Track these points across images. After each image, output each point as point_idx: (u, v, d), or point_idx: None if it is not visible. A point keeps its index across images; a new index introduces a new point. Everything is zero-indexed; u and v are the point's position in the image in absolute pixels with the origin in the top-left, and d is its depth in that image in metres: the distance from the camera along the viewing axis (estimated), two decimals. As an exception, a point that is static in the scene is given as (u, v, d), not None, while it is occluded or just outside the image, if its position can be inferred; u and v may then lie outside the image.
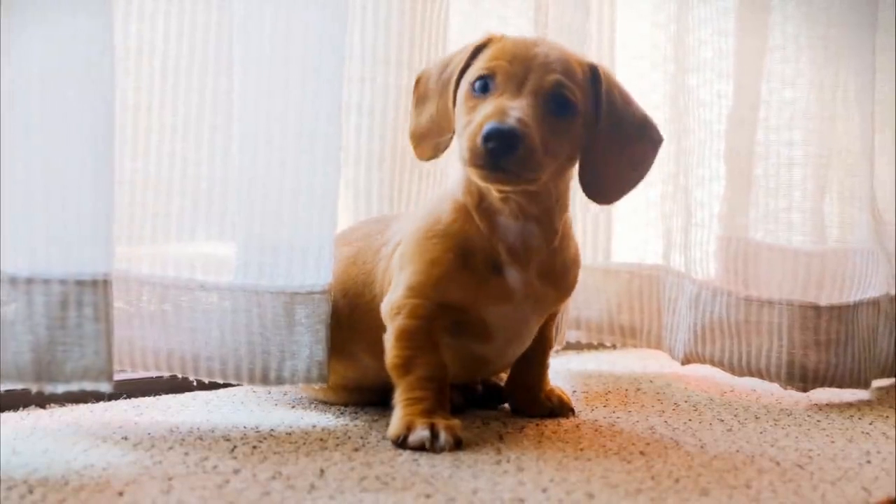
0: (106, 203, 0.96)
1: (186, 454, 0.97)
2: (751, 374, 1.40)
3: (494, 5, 1.45)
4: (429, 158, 1.13)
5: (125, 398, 1.22)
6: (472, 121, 1.01)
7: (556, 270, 1.11)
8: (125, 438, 1.02)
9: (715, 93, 1.46)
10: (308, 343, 1.12)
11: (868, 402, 1.38)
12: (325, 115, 1.11)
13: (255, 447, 1.01)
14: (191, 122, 1.13)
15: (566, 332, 1.50)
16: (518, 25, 1.44)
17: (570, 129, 1.04)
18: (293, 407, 1.21)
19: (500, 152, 0.97)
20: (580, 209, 1.51)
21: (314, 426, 1.12)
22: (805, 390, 1.38)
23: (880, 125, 1.53)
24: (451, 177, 1.35)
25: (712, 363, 1.44)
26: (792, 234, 1.45)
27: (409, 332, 1.07)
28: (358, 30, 1.30)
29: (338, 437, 1.06)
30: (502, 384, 1.26)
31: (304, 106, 1.10)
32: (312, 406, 1.22)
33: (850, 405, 1.36)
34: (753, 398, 1.38)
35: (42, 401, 1.15)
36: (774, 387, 1.41)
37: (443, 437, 1.01)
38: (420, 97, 1.13)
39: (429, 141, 1.12)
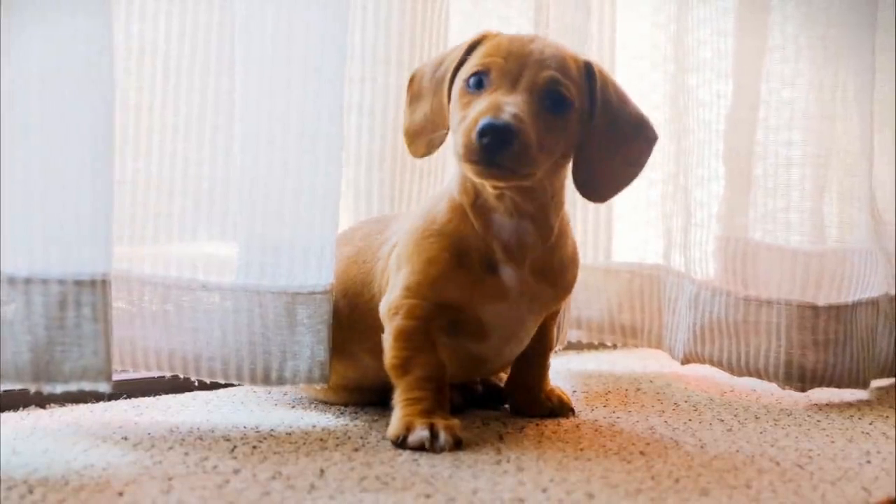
0: (105, 203, 0.96)
1: (186, 454, 0.97)
2: (749, 374, 1.40)
3: (495, 5, 1.45)
4: (423, 155, 1.13)
5: (125, 398, 1.22)
6: (466, 116, 1.01)
7: (553, 268, 1.11)
8: (125, 438, 1.02)
9: (714, 93, 1.46)
10: (309, 343, 1.12)
11: (868, 402, 1.38)
12: (327, 115, 1.11)
13: (255, 447, 1.01)
14: (192, 122, 1.13)
15: (566, 331, 1.50)
16: (519, 25, 1.44)
17: (565, 126, 1.04)
18: (293, 407, 1.21)
19: (494, 147, 0.97)
20: (580, 209, 1.52)
21: (314, 426, 1.12)
22: (803, 390, 1.38)
23: (879, 125, 1.53)
24: (448, 176, 1.35)
25: (711, 363, 1.44)
26: (790, 234, 1.45)
27: (407, 333, 1.07)
28: (358, 30, 1.30)
29: (338, 437, 1.06)
30: (502, 384, 1.26)
31: (306, 106, 1.10)
32: (312, 406, 1.22)
33: (849, 405, 1.36)
34: (753, 398, 1.38)
35: (42, 401, 1.15)
36: (774, 387, 1.41)
37: (442, 437, 1.01)
38: (414, 95, 1.13)
39: (423, 138, 1.12)
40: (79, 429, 1.06)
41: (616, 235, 1.63)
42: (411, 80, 1.14)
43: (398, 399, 1.06)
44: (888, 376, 1.50)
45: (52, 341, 0.94)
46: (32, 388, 0.94)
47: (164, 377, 1.19)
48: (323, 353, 1.12)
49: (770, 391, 1.42)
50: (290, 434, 1.07)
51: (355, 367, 1.17)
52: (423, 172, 1.38)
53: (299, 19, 1.09)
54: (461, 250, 1.08)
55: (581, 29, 1.42)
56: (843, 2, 1.43)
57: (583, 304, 1.59)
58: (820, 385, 1.37)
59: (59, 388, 0.95)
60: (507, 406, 1.24)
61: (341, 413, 1.19)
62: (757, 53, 1.46)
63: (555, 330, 1.24)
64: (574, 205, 1.35)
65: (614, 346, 1.73)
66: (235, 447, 1.01)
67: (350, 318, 1.15)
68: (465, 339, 1.11)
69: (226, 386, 1.25)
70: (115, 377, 1.15)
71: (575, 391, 1.37)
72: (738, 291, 1.41)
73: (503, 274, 1.08)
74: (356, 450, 1.01)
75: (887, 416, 1.28)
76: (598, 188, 1.12)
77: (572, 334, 1.59)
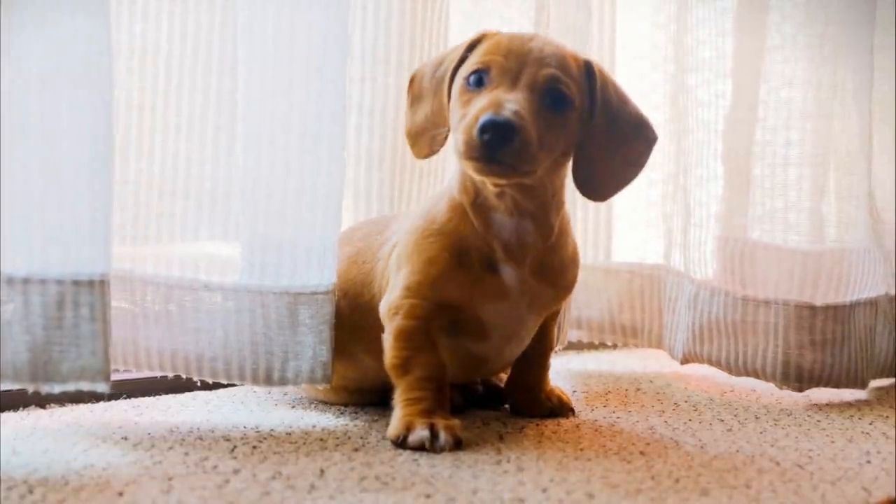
0: (104, 203, 0.96)
1: (186, 454, 0.97)
2: (747, 374, 1.41)
3: (496, 5, 1.45)
4: (426, 156, 1.13)
5: (125, 398, 1.22)
6: (467, 114, 1.01)
7: (553, 268, 1.11)
8: (125, 438, 1.02)
9: (713, 93, 1.46)
10: (311, 344, 1.12)
11: (868, 402, 1.38)
12: (329, 115, 1.11)
13: (255, 447, 1.01)
14: (195, 123, 1.13)
15: (567, 331, 1.50)
16: (520, 25, 1.44)
17: (566, 124, 1.04)
18: (293, 407, 1.21)
19: (495, 144, 0.97)
20: (580, 208, 1.52)
21: (314, 426, 1.12)
22: (801, 390, 1.38)
23: (878, 124, 1.53)
24: (448, 175, 1.35)
25: (710, 363, 1.44)
26: (789, 234, 1.45)
27: (408, 333, 1.07)
28: (358, 30, 1.30)
29: (338, 437, 1.06)
30: (502, 384, 1.26)
31: (308, 106, 1.10)
32: (312, 406, 1.22)
33: (849, 405, 1.35)
34: (753, 398, 1.38)
35: (42, 401, 1.15)
36: (773, 387, 1.41)
37: (442, 437, 1.01)
38: (415, 96, 1.13)
39: (424, 138, 1.11)
40: (79, 429, 1.06)
41: (616, 235, 1.63)
42: (412, 81, 1.14)
43: (398, 399, 1.06)
44: (888, 376, 1.50)
45: (50, 341, 0.94)
46: (30, 389, 0.94)
47: (163, 377, 1.19)
48: (325, 353, 1.12)
49: (770, 391, 1.42)
50: (290, 434, 1.07)
51: (355, 368, 1.17)
52: (422, 172, 1.38)
53: (301, 19, 1.09)
54: (461, 250, 1.08)
55: (582, 29, 1.42)
56: (841, 0, 1.43)
57: (583, 303, 1.59)
58: (818, 385, 1.37)
59: (56, 389, 0.95)
60: (507, 406, 1.24)
61: (341, 413, 1.19)
62: (756, 53, 1.46)
63: (555, 330, 1.24)
64: (574, 204, 1.35)
65: (614, 346, 1.73)
66: (235, 447, 1.01)
67: (350, 318, 1.15)
68: (465, 339, 1.11)
69: (226, 386, 1.25)
70: (115, 377, 1.15)
71: (575, 391, 1.37)
72: (736, 291, 1.42)
73: (503, 273, 1.08)
74: (356, 450, 1.01)
75: (887, 416, 1.28)
76: (598, 187, 1.12)
77: (572, 334, 1.59)
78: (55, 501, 0.81)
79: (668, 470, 0.97)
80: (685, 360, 1.47)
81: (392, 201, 1.35)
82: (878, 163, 1.54)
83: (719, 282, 1.44)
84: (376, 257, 1.16)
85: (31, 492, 0.84)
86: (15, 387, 0.97)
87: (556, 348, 1.35)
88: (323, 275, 1.12)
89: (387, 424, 1.06)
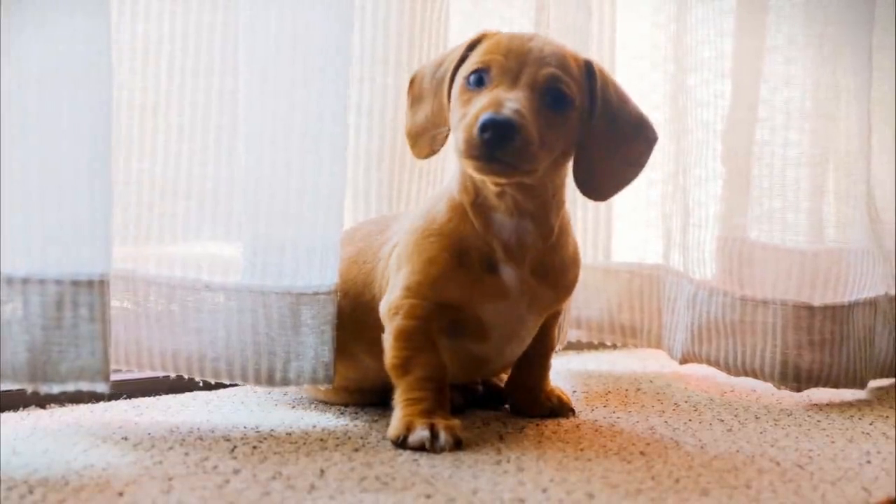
0: (103, 203, 0.96)
1: (186, 454, 0.97)
2: (746, 374, 1.41)
3: (496, 5, 1.45)
4: (426, 156, 1.13)
5: (125, 398, 1.22)
6: (467, 113, 1.01)
7: (554, 268, 1.11)
8: (125, 438, 1.02)
9: (713, 93, 1.46)
10: (313, 344, 1.12)
11: (868, 403, 1.38)
12: (331, 115, 1.11)
13: (255, 447, 1.01)
14: (197, 123, 1.13)
15: (567, 331, 1.50)
16: (520, 25, 1.44)
17: (566, 123, 1.04)
18: (293, 407, 1.21)
19: (495, 143, 0.97)
20: (580, 208, 1.52)
21: (314, 426, 1.12)
22: (799, 390, 1.38)
23: (878, 124, 1.53)
24: (448, 176, 1.35)
25: (709, 363, 1.44)
26: (787, 234, 1.45)
27: (408, 333, 1.07)
28: (357, 30, 1.30)
29: (338, 438, 1.06)
30: (502, 385, 1.26)
31: (310, 106, 1.10)
32: (312, 406, 1.22)
33: (849, 405, 1.35)
34: (753, 398, 1.38)
35: (42, 401, 1.15)
36: (772, 387, 1.41)
37: (443, 437, 1.01)
38: (415, 97, 1.13)
39: (425, 138, 1.11)
40: (79, 429, 1.06)
41: (616, 235, 1.63)
42: (412, 82, 1.14)
43: (398, 399, 1.06)
44: (887, 376, 1.50)
45: (49, 341, 0.94)
46: (29, 389, 0.94)
47: (163, 377, 1.19)
48: (327, 353, 1.12)
49: (770, 391, 1.42)
50: (290, 434, 1.07)
51: (356, 368, 1.17)
52: (421, 172, 1.38)
53: (303, 19, 1.09)
54: (461, 250, 1.08)
55: (582, 29, 1.42)
56: (840, 0, 1.43)
57: (582, 303, 1.59)
58: (816, 385, 1.37)
59: (55, 389, 0.95)
60: (507, 406, 1.24)
61: (341, 413, 1.19)
62: (755, 53, 1.46)
63: (556, 331, 1.24)
64: (574, 204, 1.35)
65: (614, 346, 1.73)
66: (235, 447, 1.01)
67: (351, 318, 1.15)
68: (465, 339, 1.11)
69: (226, 386, 1.25)
70: (115, 377, 1.15)
71: (575, 391, 1.37)
72: (734, 291, 1.42)
73: (503, 273, 1.08)
74: (356, 450, 1.01)
75: (887, 416, 1.28)
76: (598, 187, 1.12)
77: (572, 334, 1.59)
78: (55, 501, 0.81)
79: (669, 470, 0.97)
80: (684, 360, 1.47)
81: (391, 201, 1.35)
82: (877, 163, 1.54)
83: (718, 282, 1.44)
84: (377, 257, 1.15)
85: (31, 492, 0.84)
86: (14, 387, 0.97)
87: (557, 348, 1.35)
88: (325, 275, 1.12)
89: (387, 425, 1.06)
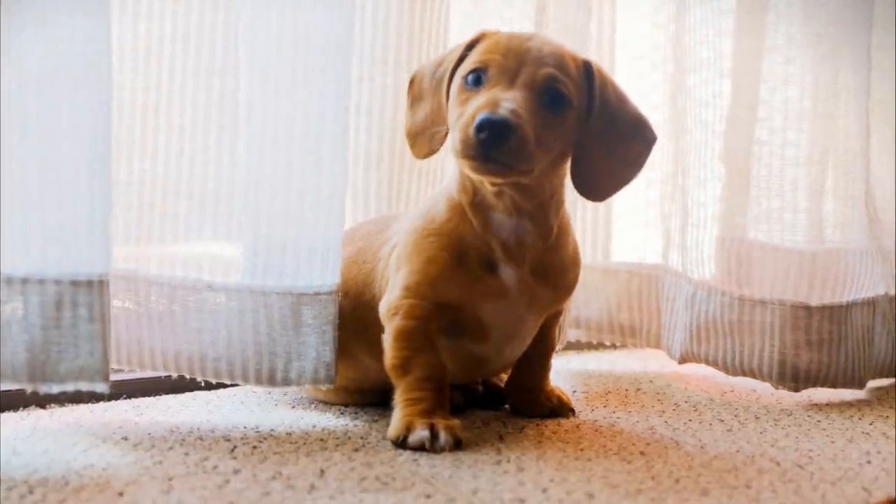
0: (103, 203, 0.96)
1: (186, 454, 0.97)
2: (744, 374, 1.41)
3: (496, 5, 1.45)
4: (426, 155, 1.13)
5: (125, 398, 1.22)
6: (464, 112, 1.00)
7: (553, 268, 1.11)
8: (125, 438, 1.02)
9: (712, 93, 1.46)
10: (315, 344, 1.12)
11: (868, 402, 1.38)
12: (332, 115, 1.11)
13: (255, 447, 1.01)
14: (198, 123, 1.13)
15: (567, 331, 1.50)
16: (520, 26, 1.44)
17: (564, 123, 1.04)
18: (293, 407, 1.21)
19: (491, 143, 0.97)
20: (580, 208, 1.52)
21: (314, 426, 1.12)
22: (797, 390, 1.38)
23: (877, 123, 1.53)
24: (447, 175, 1.35)
25: (707, 362, 1.44)
26: (785, 234, 1.45)
27: (407, 333, 1.07)
28: (357, 30, 1.30)
29: (338, 438, 1.06)
30: (502, 385, 1.26)
31: (311, 106, 1.10)
32: (312, 406, 1.22)
33: (849, 405, 1.36)
34: (753, 398, 1.38)
35: (42, 401, 1.14)
36: (771, 386, 1.41)
37: (442, 437, 1.01)
38: (415, 97, 1.13)
39: (424, 137, 1.11)
40: (79, 429, 1.06)
41: (615, 235, 1.63)
42: (411, 82, 1.14)
43: (398, 399, 1.06)
44: (887, 376, 1.50)
45: (49, 341, 0.94)
46: (28, 389, 0.94)
47: (164, 377, 1.19)
48: (328, 354, 1.12)
49: (770, 391, 1.42)
50: (290, 434, 1.07)
51: (356, 368, 1.17)
52: (421, 172, 1.38)
53: (304, 19, 1.09)
54: (460, 250, 1.08)
55: (582, 29, 1.42)
56: (840, 0, 1.43)
57: (582, 303, 1.59)
58: (814, 385, 1.38)
59: (55, 389, 0.94)
60: (507, 406, 1.24)
61: (341, 413, 1.19)
62: (755, 53, 1.46)
63: (556, 331, 1.24)
64: (574, 204, 1.35)
65: (614, 346, 1.73)
66: (235, 447, 1.01)
67: (351, 318, 1.15)
68: (465, 339, 1.11)
69: (226, 386, 1.25)
70: (116, 377, 1.15)
71: (575, 391, 1.37)
72: (733, 291, 1.42)
73: (502, 273, 1.08)
74: (356, 450, 1.01)
75: (887, 416, 1.28)
76: (597, 187, 1.11)
77: (571, 333, 1.59)
78: (55, 501, 0.81)
79: (669, 470, 0.97)
80: (683, 360, 1.47)
81: (390, 201, 1.35)
82: (876, 162, 1.54)
83: (716, 282, 1.44)
84: (377, 257, 1.16)
85: (31, 492, 0.84)
86: (14, 387, 0.97)
87: (557, 348, 1.35)
88: (326, 275, 1.12)
89: (387, 425, 1.06)
